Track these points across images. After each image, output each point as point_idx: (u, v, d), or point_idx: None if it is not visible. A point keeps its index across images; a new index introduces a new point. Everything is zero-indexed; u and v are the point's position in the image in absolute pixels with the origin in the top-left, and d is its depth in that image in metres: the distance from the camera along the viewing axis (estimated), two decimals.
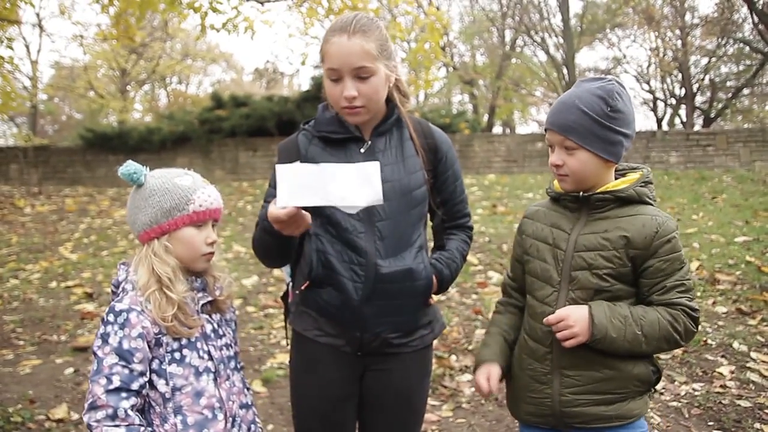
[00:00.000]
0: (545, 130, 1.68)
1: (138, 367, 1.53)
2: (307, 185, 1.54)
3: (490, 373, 1.75)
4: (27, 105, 18.54)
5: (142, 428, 1.53)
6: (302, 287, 1.84)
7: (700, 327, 4.00)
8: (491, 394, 1.79)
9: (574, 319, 1.55)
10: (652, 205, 1.65)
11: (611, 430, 1.62)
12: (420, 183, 1.82)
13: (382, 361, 1.83)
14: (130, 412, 1.51)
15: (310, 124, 1.91)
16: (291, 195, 1.54)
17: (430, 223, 1.98)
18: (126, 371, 1.51)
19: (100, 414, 1.48)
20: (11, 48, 8.89)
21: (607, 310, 1.55)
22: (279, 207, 1.56)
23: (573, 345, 1.56)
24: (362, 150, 1.82)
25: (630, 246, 1.58)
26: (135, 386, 1.52)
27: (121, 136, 12.63)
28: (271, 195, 1.88)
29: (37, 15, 20.20)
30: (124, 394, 1.50)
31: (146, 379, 1.55)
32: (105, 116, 24.52)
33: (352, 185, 1.54)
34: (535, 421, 1.72)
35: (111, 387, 1.49)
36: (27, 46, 24.07)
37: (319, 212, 1.82)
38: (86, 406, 1.50)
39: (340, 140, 1.83)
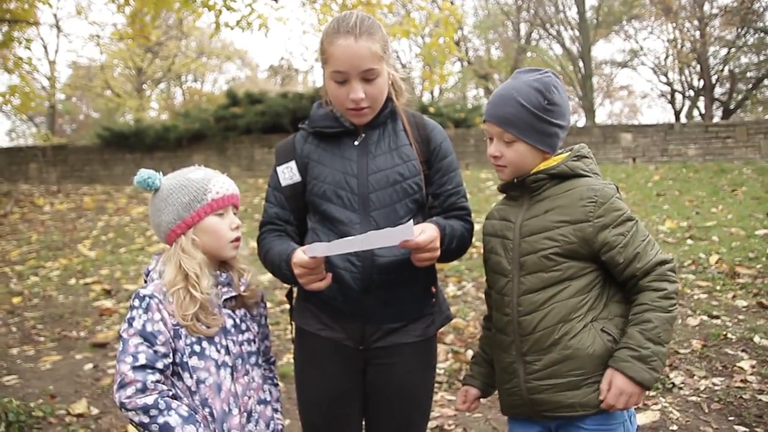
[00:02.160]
0: (484, 121, 1.73)
1: (161, 349, 1.57)
2: (341, 246, 1.60)
3: (467, 394, 1.90)
4: (45, 105, 18.81)
5: (171, 392, 1.58)
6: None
7: (719, 321, 3.99)
8: (472, 410, 1.93)
9: (611, 382, 1.56)
10: (589, 177, 1.67)
11: (582, 420, 1.62)
12: (414, 172, 1.82)
13: (383, 355, 1.83)
14: (158, 384, 1.55)
15: (306, 123, 1.92)
16: (324, 251, 1.62)
17: None
18: (150, 351, 1.56)
19: (130, 390, 1.52)
20: (29, 49, 9.05)
21: (639, 363, 1.54)
22: (309, 254, 1.62)
23: (637, 402, 1.57)
24: (356, 143, 1.83)
25: (572, 221, 1.61)
26: (159, 365, 1.56)
27: (137, 134, 12.73)
28: (272, 196, 1.90)
29: (55, 16, 20.43)
30: (149, 370, 1.55)
31: (170, 361, 1.59)
32: (122, 115, 24.78)
33: (386, 239, 1.58)
34: (514, 413, 1.76)
35: (137, 364, 1.54)
36: (45, 47, 24.37)
37: (315, 207, 1.83)
38: (115, 387, 1.54)
39: (334, 134, 1.85)
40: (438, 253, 1.69)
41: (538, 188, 1.68)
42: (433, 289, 1.88)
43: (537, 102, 1.63)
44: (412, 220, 1.63)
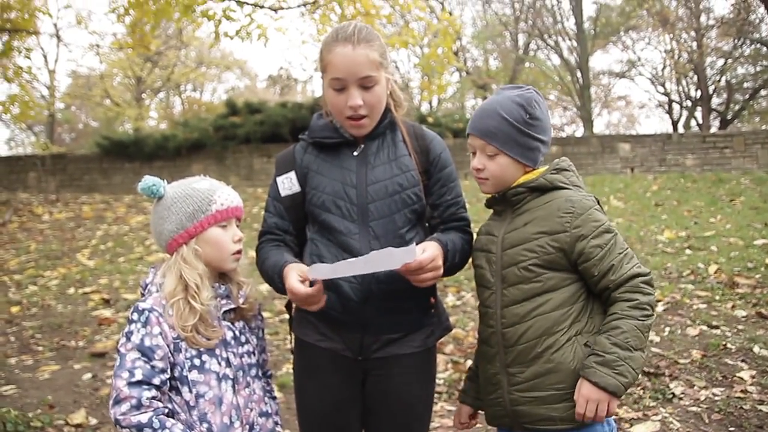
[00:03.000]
0: (467, 135, 1.76)
1: (159, 364, 1.55)
2: (344, 269, 1.61)
3: (461, 412, 1.92)
4: (45, 114, 18.82)
5: (167, 410, 1.56)
6: None
7: (719, 331, 3.99)
8: (467, 428, 1.96)
9: (592, 396, 1.55)
10: (569, 189, 1.69)
11: None
12: (413, 183, 1.82)
13: (382, 366, 1.83)
14: (153, 400, 1.53)
15: (306, 133, 1.93)
16: (326, 273, 1.63)
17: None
18: (147, 366, 1.54)
19: (125, 406, 1.51)
20: (29, 58, 9.08)
21: (603, 368, 1.53)
22: (311, 276, 1.63)
23: (614, 409, 1.56)
24: (355, 153, 1.84)
25: (550, 232, 1.62)
26: (156, 381, 1.54)
27: (137, 143, 12.74)
28: (271, 206, 1.91)
29: (55, 25, 20.49)
30: (145, 386, 1.53)
31: (167, 376, 1.57)
32: (121, 124, 24.79)
33: (389, 260, 1.59)
34: (497, 423, 1.77)
35: (133, 380, 1.52)
36: (45, 56, 24.47)
37: (314, 217, 1.84)
38: (111, 402, 1.53)
39: (333, 145, 1.86)
40: (441, 271, 1.70)
41: (519, 201, 1.71)
42: (432, 300, 1.88)
43: (519, 116, 1.67)
44: (414, 243, 1.64)
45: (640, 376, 3.50)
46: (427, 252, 1.64)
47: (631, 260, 1.61)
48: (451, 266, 1.78)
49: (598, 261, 1.59)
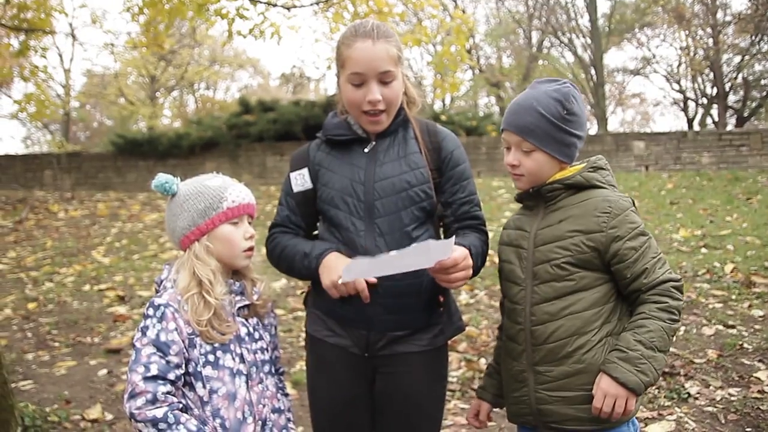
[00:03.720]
0: (501, 130, 1.73)
1: (174, 359, 1.56)
2: (380, 265, 1.59)
3: (480, 409, 1.91)
4: (60, 112, 19.01)
5: (181, 404, 1.57)
6: (309, 289, 1.90)
7: (735, 330, 3.95)
8: (484, 425, 1.95)
9: (611, 390, 1.52)
10: (605, 188, 1.67)
11: None
12: (422, 180, 1.81)
13: (390, 364, 1.83)
14: (168, 395, 1.54)
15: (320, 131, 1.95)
16: (359, 275, 1.62)
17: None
18: (163, 362, 1.55)
19: (140, 401, 1.52)
20: (45, 57, 9.18)
21: (625, 364, 1.51)
22: (344, 279, 1.62)
23: (631, 408, 1.54)
24: (366, 150, 1.85)
25: (585, 231, 1.60)
26: (171, 376, 1.56)
27: (150, 141, 12.84)
28: (284, 200, 1.93)
29: (70, 25, 20.71)
30: (161, 381, 1.54)
31: (182, 371, 1.58)
32: (135, 122, 24.99)
33: (424, 256, 1.58)
34: (520, 421, 1.75)
35: (149, 374, 1.53)
36: (60, 55, 24.73)
37: (323, 213, 1.85)
38: (126, 396, 1.54)
39: (344, 142, 1.86)
40: (471, 271, 1.67)
41: (554, 198, 1.69)
42: (441, 299, 1.86)
43: (557, 112, 1.64)
44: (454, 237, 1.62)
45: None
46: (457, 251, 1.62)
47: (663, 265, 1.59)
48: (475, 269, 1.75)
49: (632, 263, 1.57)
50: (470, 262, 1.66)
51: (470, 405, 1.98)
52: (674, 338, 1.60)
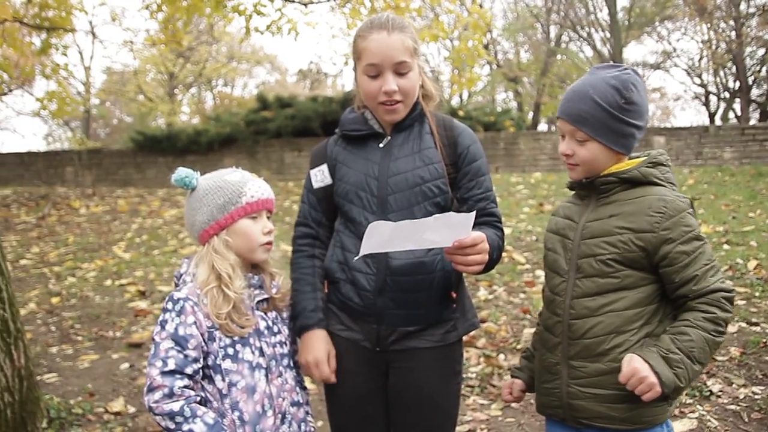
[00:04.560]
0: (557, 117, 1.66)
1: (192, 353, 1.58)
2: (402, 235, 1.57)
3: (513, 385, 1.87)
4: (80, 109, 19.24)
5: (199, 398, 1.59)
6: (326, 283, 1.92)
7: (759, 328, 3.90)
8: (516, 401, 1.91)
9: (645, 370, 1.45)
10: (663, 186, 1.59)
11: None
12: (436, 175, 1.81)
13: (402, 359, 1.83)
14: (185, 389, 1.56)
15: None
16: (380, 245, 1.60)
17: None
18: (181, 356, 1.57)
19: (158, 394, 1.54)
20: (66, 55, 9.25)
21: (662, 360, 1.46)
22: (363, 251, 1.62)
23: (654, 397, 1.46)
24: (381, 145, 1.85)
25: (636, 230, 1.54)
26: (189, 371, 1.58)
27: (170, 138, 12.96)
28: (306, 197, 1.95)
29: (90, 23, 20.95)
30: (178, 376, 1.56)
31: (200, 366, 1.60)
32: (154, 119, 25.22)
33: (446, 230, 1.55)
34: (549, 413, 1.72)
35: (166, 369, 1.55)
36: (80, 53, 25.03)
37: (340, 208, 1.87)
38: (145, 390, 1.57)
39: (360, 137, 1.87)
40: (487, 256, 1.64)
41: (607, 191, 1.62)
42: (455, 295, 1.85)
43: (614, 100, 1.55)
44: (474, 212, 1.58)
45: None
46: (475, 234, 1.58)
47: (716, 273, 1.52)
48: (491, 261, 1.73)
49: (682, 268, 1.51)
50: (487, 246, 1.63)
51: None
52: (715, 352, 1.53)
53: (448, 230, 1.55)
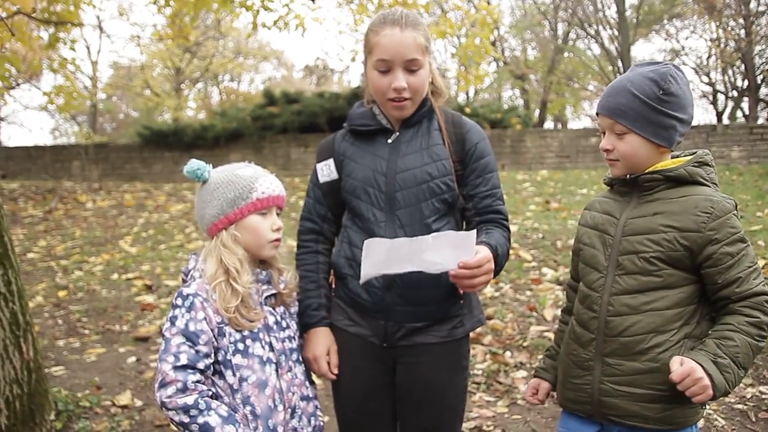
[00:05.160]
0: (597, 114, 1.66)
1: (203, 349, 1.58)
2: (402, 255, 1.58)
3: (539, 387, 1.87)
4: (87, 104, 19.28)
5: (211, 393, 1.59)
6: (333, 279, 1.93)
7: None
8: (541, 403, 1.91)
9: (700, 372, 1.43)
10: (708, 186, 1.58)
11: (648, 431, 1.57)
12: (444, 172, 1.81)
13: (410, 354, 1.84)
14: (198, 384, 1.57)
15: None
16: (381, 265, 1.61)
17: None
18: (192, 351, 1.57)
19: (171, 389, 1.54)
20: (73, 49, 9.24)
21: (712, 364, 1.44)
22: (364, 278, 1.66)
23: (705, 399, 1.44)
24: (389, 141, 1.85)
25: (682, 229, 1.52)
26: (200, 365, 1.58)
27: (176, 133, 12.98)
28: (311, 191, 1.96)
29: (98, 17, 21.00)
30: (190, 371, 1.56)
31: (211, 361, 1.60)
32: (160, 114, 25.27)
33: (447, 250, 1.55)
34: (574, 408, 1.71)
35: (179, 364, 1.55)
36: (88, 48, 25.07)
37: (347, 203, 1.87)
38: (156, 386, 1.56)
39: (368, 132, 1.87)
40: (492, 275, 1.64)
41: (651, 188, 1.61)
42: (462, 291, 1.85)
43: (651, 92, 1.55)
44: (475, 231, 1.60)
45: None
46: (480, 253, 1.59)
47: (759, 276, 1.51)
48: (498, 268, 1.73)
49: (725, 269, 1.50)
50: (492, 266, 1.63)
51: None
52: (758, 355, 1.53)
53: (450, 250, 1.55)
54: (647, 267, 1.55)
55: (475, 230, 1.61)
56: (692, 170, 1.58)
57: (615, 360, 1.59)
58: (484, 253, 1.60)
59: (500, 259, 1.73)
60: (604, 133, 1.65)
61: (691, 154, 1.63)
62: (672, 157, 1.63)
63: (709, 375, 1.42)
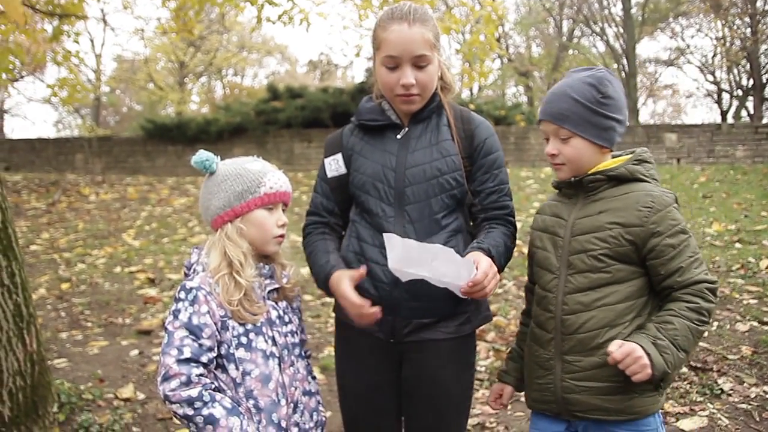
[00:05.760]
0: (539, 121, 1.73)
1: (206, 342, 1.58)
2: (414, 257, 1.61)
3: (504, 392, 1.92)
4: (91, 97, 19.30)
5: (214, 386, 1.59)
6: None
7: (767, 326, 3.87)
8: (503, 408, 1.96)
9: (640, 351, 1.49)
10: (648, 182, 1.65)
11: (613, 424, 1.61)
12: (453, 168, 1.80)
13: (416, 350, 1.83)
14: (202, 377, 1.56)
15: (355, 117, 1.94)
16: (401, 261, 1.63)
17: None
18: (195, 344, 1.56)
19: (174, 383, 1.53)
20: (77, 42, 9.25)
21: (652, 346, 1.50)
22: (391, 267, 1.64)
23: (644, 378, 1.50)
24: (398, 136, 1.84)
25: (626, 225, 1.59)
26: (204, 359, 1.57)
27: (179, 127, 12.97)
28: (319, 186, 1.94)
29: (102, 10, 21.01)
30: (194, 364, 1.56)
31: (214, 355, 1.60)
32: (164, 107, 25.27)
33: (453, 266, 1.59)
34: (541, 408, 1.75)
35: (182, 357, 1.55)
36: (92, 41, 25.04)
37: (355, 198, 1.86)
38: (159, 379, 1.56)
39: (378, 127, 1.86)
40: (497, 279, 1.65)
41: (595, 188, 1.67)
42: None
43: (591, 95, 1.62)
44: (472, 258, 1.62)
45: (685, 370, 3.44)
46: (482, 266, 1.60)
47: (700, 265, 1.58)
48: (500, 269, 1.75)
49: (668, 260, 1.56)
50: (496, 269, 1.65)
51: (492, 389, 1.97)
52: (699, 341, 1.60)
53: (456, 267, 1.58)
54: (596, 264, 1.61)
55: (470, 258, 1.62)
56: (632, 168, 1.65)
57: (574, 357, 1.64)
58: (485, 263, 1.62)
59: (498, 259, 1.74)
60: (547, 139, 1.70)
61: (629, 153, 1.70)
62: (612, 157, 1.71)
63: (648, 354, 1.48)
